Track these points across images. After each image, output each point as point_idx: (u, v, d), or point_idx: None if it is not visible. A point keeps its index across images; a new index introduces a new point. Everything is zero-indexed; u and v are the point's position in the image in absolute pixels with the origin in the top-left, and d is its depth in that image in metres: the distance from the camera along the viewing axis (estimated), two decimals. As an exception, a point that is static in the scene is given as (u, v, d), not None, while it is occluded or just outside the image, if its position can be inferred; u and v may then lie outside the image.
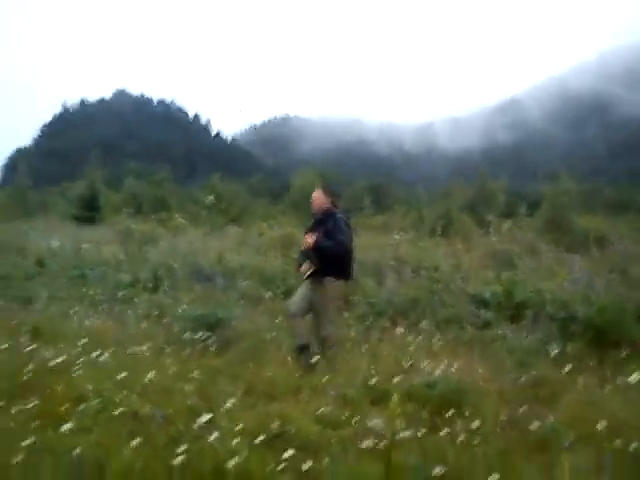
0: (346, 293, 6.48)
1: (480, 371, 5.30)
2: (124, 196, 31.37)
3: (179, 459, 3.24)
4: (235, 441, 3.48)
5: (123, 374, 4.57)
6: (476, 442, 3.69)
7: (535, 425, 3.76)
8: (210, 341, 6.09)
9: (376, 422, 3.76)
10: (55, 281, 9.28)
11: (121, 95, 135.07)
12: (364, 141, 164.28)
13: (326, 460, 3.46)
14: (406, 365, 5.31)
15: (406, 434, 3.73)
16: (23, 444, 3.26)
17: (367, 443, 3.56)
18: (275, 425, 3.85)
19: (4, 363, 4.86)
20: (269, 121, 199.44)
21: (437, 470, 3.17)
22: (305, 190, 35.47)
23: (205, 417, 3.56)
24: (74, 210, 23.58)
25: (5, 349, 5.24)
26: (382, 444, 3.56)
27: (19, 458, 3.10)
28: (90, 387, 4.33)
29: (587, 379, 5.17)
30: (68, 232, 15.07)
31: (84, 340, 5.70)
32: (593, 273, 8.74)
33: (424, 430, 3.85)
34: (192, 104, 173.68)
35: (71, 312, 7.31)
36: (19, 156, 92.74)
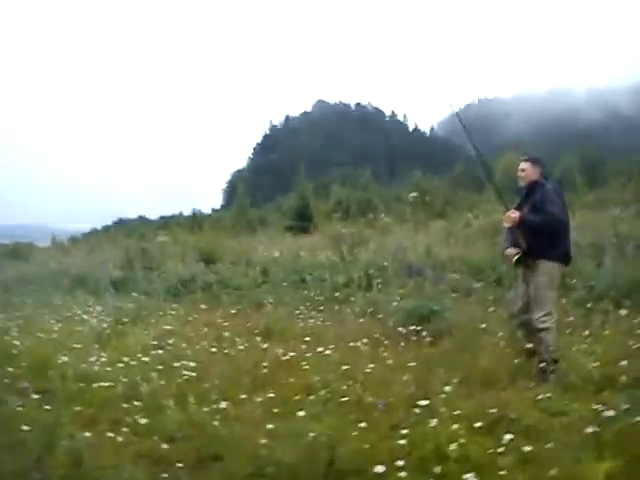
0: (563, 276, 5.63)
1: None
2: (332, 203, 33.03)
3: (402, 442, 3.49)
4: (454, 426, 3.61)
5: (346, 366, 4.99)
6: None
7: None
8: (424, 333, 6.28)
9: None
10: (279, 287, 10.19)
11: (321, 105, 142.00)
12: (572, 111, 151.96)
13: (549, 445, 3.43)
14: (633, 348, 4.96)
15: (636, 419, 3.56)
16: (266, 428, 3.77)
17: (590, 429, 3.48)
18: (493, 411, 3.90)
19: (245, 359, 5.56)
20: (467, 107, 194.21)
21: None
22: (509, 173, 34.10)
23: (424, 403, 3.72)
24: (288, 221, 25.45)
25: (245, 348, 6.00)
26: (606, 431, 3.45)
27: (264, 441, 3.58)
28: (317, 378, 4.79)
29: None
30: (286, 242, 16.37)
31: (309, 337, 6.29)
32: None
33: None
34: (388, 102, 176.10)
35: (295, 313, 8.01)
36: (237, 177, 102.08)
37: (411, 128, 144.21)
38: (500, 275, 9.19)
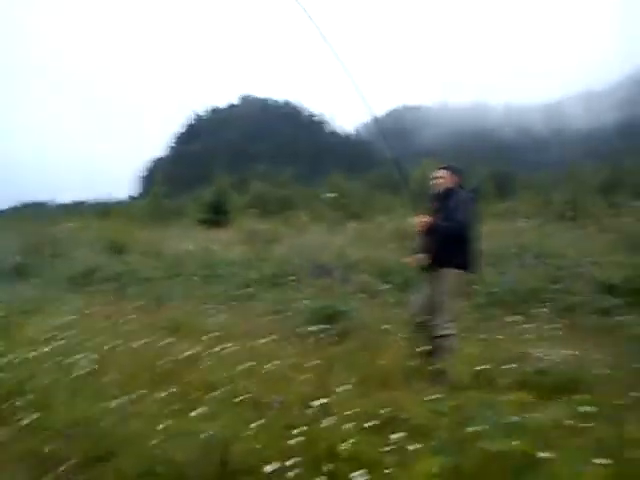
0: (467, 285, 5.72)
1: (599, 357, 5.14)
2: (251, 198, 32.86)
3: (296, 441, 3.54)
4: (347, 426, 3.70)
5: (249, 364, 4.99)
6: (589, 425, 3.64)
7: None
8: (329, 333, 6.39)
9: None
10: (190, 281, 10.05)
11: (248, 100, 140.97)
12: (489, 126, 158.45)
13: (433, 443, 3.58)
14: (519, 353, 5.26)
15: (512, 419, 3.79)
16: (161, 427, 3.71)
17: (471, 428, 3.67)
18: (386, 411, 4.02)
19: (147, 354, 5.44)
20: (390, 112, 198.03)
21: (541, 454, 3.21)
22: (425, 180, 35.11)
23: (319, 402, 3.79)
24: (203, 214, 25.11)
25: (148, 342, 5.86)
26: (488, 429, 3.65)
27: (158, 439, 3.53)
28: (218, 376, 4.76)
29: None
30: (199, 236, 16.12)
31: (215, 333, 6.23)
32: None
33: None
34: (315, 102, 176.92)
35: (204, 308, 7.93)
36: (155, 166, 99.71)
37: (337, 129, 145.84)
38: (407, 278, 9.46)
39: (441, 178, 5.27)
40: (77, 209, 50.62)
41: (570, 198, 17.30)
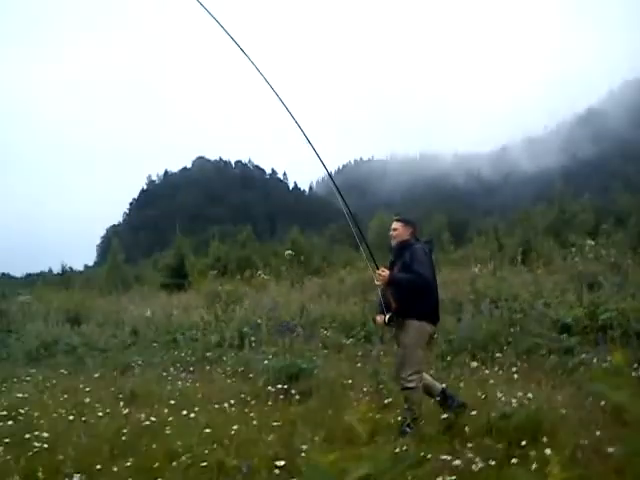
0: (431, 336, 5.53)
1: (560, 398, 5.23)
2: (211, 260, 32.66)
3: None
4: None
5: (210, 429, 4.91)
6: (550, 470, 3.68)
7: (614, 449, 3.72)
8: (292, 391, 6.35)
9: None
10: (149, 348, 9.87)
11: (200, 162, 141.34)
12: (441, 174, 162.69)
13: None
14: (483, 398, 5.31)
15: (479, 466, 3.82)
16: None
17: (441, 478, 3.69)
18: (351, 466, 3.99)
19: (105, 427, 5.30)
20: (344, 166, 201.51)
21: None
22: (382, 232, 35.77)
23: (283, 463, 3.75)
24: (164, 279, 24.81)
25: (106, 414, 5.71)
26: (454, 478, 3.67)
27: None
28: (180, 443, 4.66)
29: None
30: (160, 301, 15.89)
31: (175, 400, 6.12)
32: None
33: (496, 461, 3.89)
34: (268, 161, 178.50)
35: (164, 375, 7.78)
36: (112, 233, 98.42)
37: (291, 186, 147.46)
38: (369, 331, 9.52)
39: (395, 230, 5.33)
40: (32, 282, 49.31)
41: (521, 241, 17.76)
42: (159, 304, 14.43)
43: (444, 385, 5.34)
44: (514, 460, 3.84)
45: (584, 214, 24.17)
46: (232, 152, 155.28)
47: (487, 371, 6.63)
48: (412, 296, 4.97)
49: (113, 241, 45.19)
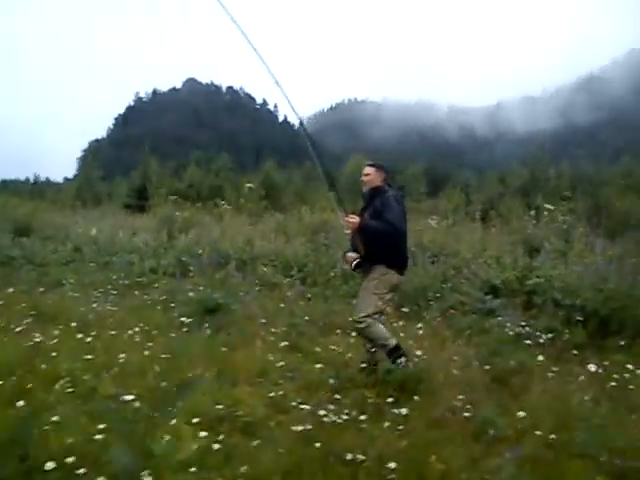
0: (396, 285, 5.18)
1: (455, 358, 5.24)
2: (184, 184, 32.31)
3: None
4: (174, 421, 3.63)
5: (94, 355, 4.86)
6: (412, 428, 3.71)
7: (472, 413, 3.74)
8: (206, 325, 6.31)
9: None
10: (84, 268, 9.75)
11: (191, 84, 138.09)
12: (435, 126, 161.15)
13: (256, 441, 3.55)
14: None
15: (342, 419, 3.82)
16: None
17: (300, 427, 3.68)
18: (221, 407, 3.97)
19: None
20: (338, 105, 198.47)
21: (349, 456, 3.24)
22: (355, 176, 35.42)
23: (128, 397, 3.71)
24: (127, 199, 24.50)
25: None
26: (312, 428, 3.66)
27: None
28: (65, 366, 4.60)
29: (567, 369, 5.05)
30: (116, 221, 15.70)
31: (77, 322, 6.05)
32: (620, 259, 8.35)
33: (366, 416, 3.89)
34: (260, 90, 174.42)
35: (89, 295, 7.70)
36: (93, 148, 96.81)
37: (280, 119, 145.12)
38: (307, 273, 9.48)
39: (367, 175, 5.14)
40: (5, 189, 48.59)
41: (486, 199, 17.68)
42: (111, 224, 14.23)
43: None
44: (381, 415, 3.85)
45: (558, 180, 24.07)
46: (224, 78, 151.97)
47: (401, 323, 6.64)
48: (381, 243, 4.81)
49: (88, 156, 44.36)
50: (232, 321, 6.54)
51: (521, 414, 3.86)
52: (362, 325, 4.76)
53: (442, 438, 3.57)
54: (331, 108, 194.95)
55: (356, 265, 4.96)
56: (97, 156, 71.47)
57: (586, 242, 10.12)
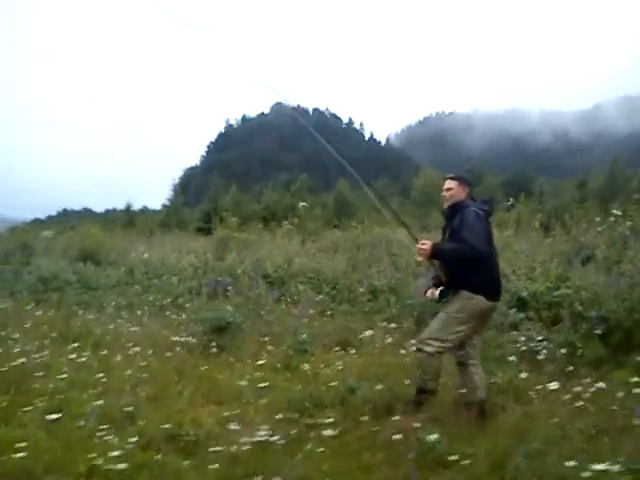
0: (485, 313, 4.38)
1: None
2: (260, 206, 33.05)
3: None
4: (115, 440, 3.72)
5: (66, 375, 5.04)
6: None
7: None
8: (213, 344, 6.39)
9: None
10: (130, 289, 10.15)
11: (279, 108, 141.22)
12: (527, 132, 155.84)
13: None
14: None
15: (282, 441, 3.72)
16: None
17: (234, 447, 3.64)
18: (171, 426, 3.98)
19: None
20: (426, 119, 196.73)
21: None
22: (426, 189, 34.84)
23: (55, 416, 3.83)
24: (199, 223, 25.29)
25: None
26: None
27: None
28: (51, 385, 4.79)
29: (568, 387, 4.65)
30: (176, 244, 16.24)
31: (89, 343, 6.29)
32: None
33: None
34: (346, 110, 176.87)
35: (114, 319, 8.01)
36: (188, 175, 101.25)
37: (367, 137, 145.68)
38: (340, 290, 9.39)
39: (449, 190, 4.54)
40: (106, 218, 51.75)
41: (554, 207, 16.76)
42: (170, 247, 14.76)
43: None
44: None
45: (636, 181, 22.44)
46: (309, 100, 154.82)
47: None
48: (462, 268, 4.22)
49: (190, 184, 46.60)
50: (241, 339, 6.59)
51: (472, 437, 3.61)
52: (425, 347, 4.24)
53: (376, 462, 3.41)
54: (420, 122, 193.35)
55: (440, 294, 4.34)
56: (185, 183, 74.70)
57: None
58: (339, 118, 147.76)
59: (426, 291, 4.56)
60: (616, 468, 2.65)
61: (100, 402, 4.41)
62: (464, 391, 4.34)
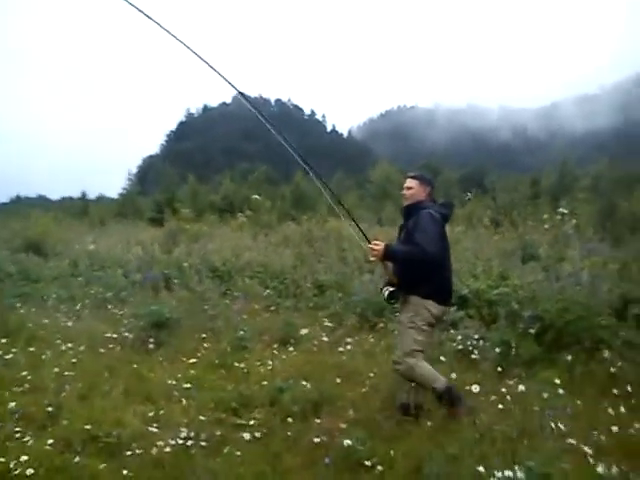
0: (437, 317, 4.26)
1: (371, 375, 5.01)
2: (219, 197, 32.71)
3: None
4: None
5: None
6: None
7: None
8: (151, 340, 6.28)
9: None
10: (73, 282, 9.89)
11: (240, 98, 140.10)
12: (488, 128, 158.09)
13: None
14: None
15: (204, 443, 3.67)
16: None
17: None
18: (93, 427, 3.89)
19: None
20: (387, 112, 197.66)
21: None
22: (381, 183, 35.07)
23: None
24: (152, 213, 24.94)
25: None
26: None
27: None
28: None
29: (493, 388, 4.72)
30: (125, 235, 15.94)
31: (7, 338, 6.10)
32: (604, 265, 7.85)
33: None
34: (308, 101, 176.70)
35: (57, 311, 7.81)
36: (147, 163, 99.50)
37: (329, 129, 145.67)
38: (286, 285, 9.35)
39: (410, 189, 4.39)
40: (61, 206, 50.43)
41: (506, 203, 17.06)
42: (117, 238, 14.48)
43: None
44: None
45: (585, 180, 23.01)
46: (271, 90, 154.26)
47: (356, 338, 6.49)
48: (414, 271, 4.14)
49: (132, 173, 45.88)
50: (176, 336, 6.48)
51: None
52: (401, 367, 4.12)
53: (295, 465, 3.38)
54: (382, 115, 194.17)
55: (389, 295, 4.26)
56: (144, 172, 73.44)
57: (582, 247, 9.59)
58: (301, 109, 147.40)
59: (381, 289, 4.43)
60: (521, 475, 2.67)
61: (22, 401, 4.30)
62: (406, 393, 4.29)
